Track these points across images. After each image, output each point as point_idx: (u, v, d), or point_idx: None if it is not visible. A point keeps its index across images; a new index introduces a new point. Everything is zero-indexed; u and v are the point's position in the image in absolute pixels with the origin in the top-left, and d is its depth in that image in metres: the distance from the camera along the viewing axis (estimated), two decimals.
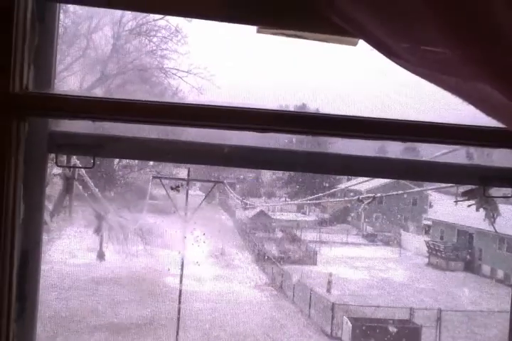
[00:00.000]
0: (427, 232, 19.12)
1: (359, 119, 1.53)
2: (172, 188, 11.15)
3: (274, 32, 1.37)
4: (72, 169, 1.95)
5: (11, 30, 1.23)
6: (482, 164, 1.99)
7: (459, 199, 2.49)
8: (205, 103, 1.42)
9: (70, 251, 10.98)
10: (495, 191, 2.28)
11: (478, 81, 1.15)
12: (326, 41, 1.42)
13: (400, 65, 1.31)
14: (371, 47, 1.34)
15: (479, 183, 1.99)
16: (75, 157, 1.97)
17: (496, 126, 1.68)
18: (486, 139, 1.72)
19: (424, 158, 2.21)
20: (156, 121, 1.34)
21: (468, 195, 2.37)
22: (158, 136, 1.62)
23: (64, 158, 1.77)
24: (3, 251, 1.23)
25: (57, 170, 2.02)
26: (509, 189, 2.23)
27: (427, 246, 17.52)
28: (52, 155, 1.64)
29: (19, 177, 1.28)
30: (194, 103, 1.36)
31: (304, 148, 1.79)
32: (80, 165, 2.08)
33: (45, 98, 1.28)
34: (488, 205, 2.38)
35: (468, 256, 16.94)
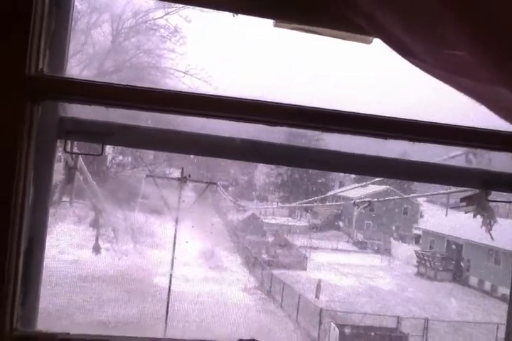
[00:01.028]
0: (417, 242, 19.20)
1: (363, 116, 1.54)
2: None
3: (291, 27, 1.38)
4: (74, 158, 1.94)
5: (29, 14, 1.23)
6: (484, 168, 2.00)
7: (458, 205, 2.51)
8: (217, 94, 1.42)
9: (60, 246, 10.90)
10: (492, 197, 2.30)
11: (495, 84, 1.16)
12: (342, 38, 1.43)
13: (416, 66, 1.32)
14: (387, 46, 1.35)
15: (481, 187, 2.00)
16: (76, 147, 1.95)
17: (502, 129, 1.69)
18: (487, 142, 1.73)
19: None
20: (170, 110, 1.34)
21: (466, 201, 2.38)
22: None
23: (68, 145, 1.76)
24: (11, 237, 1.23)
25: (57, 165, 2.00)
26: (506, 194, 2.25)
27: (417, 256, 17.59)
28: (59, 142, 1.63)
29: (30, 161, 1.27)
30: (209, 94, 1.36)
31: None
32: (83, 153, 2.07)
33: (60, 81, 1.28)
34: (486, 212, 2.39)
35: (456, 267, 17.02)
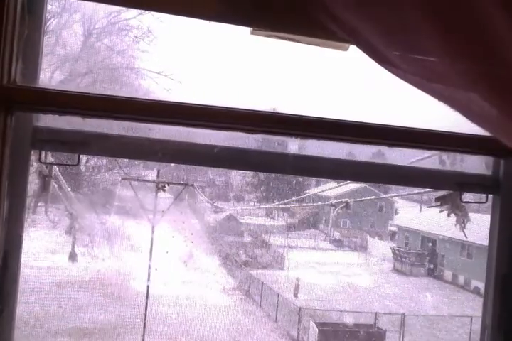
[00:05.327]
0: (392, 238, 19.49)
1: (340, 123, 1.55)
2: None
3: (268, 34, 1.38)
4: (48, 167, 1.90)
5: (1, 22, 1.19)
6: (458, 170, 2.05)
7: (432, 203, 2.56)
8: (193, 102, 1.42)
9: (35, 253, 10.67)
10: (465, 197, 2.36)
11: (467, 90, 1.18)
12: (318, 45, 1.44)
13: (391, 72, 1.34)
14: (362, 53, 1.37)
15: (456, 189, 2.04)
16: (50, 155, 1.92)
17: (472, 133, 1.74)
18: (459, 145, 1.78)
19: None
20: (146, 119, 1.32)
21: (441, 200, 2.44)
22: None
23: (43, 155, 1.73)
24: None
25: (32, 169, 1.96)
26: (477, 195, 2.31)
27: (392, 252, 17.86)
28: (33, 152, 1.60)
29: (4, 173, 1.24)
30: (186, 102, 1.35)
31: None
32: (59, 163, 2.03)
33: (34, 92, 1.25)
34: (460, 211, 2.45)
35: (431, 262, 17.35)
